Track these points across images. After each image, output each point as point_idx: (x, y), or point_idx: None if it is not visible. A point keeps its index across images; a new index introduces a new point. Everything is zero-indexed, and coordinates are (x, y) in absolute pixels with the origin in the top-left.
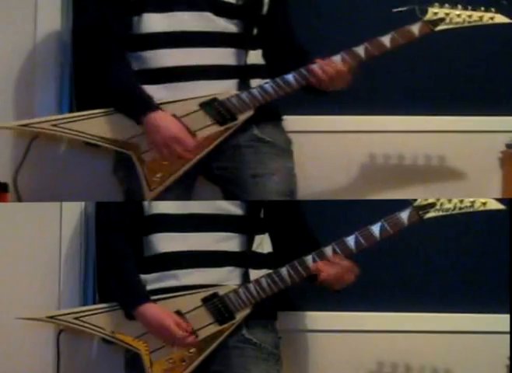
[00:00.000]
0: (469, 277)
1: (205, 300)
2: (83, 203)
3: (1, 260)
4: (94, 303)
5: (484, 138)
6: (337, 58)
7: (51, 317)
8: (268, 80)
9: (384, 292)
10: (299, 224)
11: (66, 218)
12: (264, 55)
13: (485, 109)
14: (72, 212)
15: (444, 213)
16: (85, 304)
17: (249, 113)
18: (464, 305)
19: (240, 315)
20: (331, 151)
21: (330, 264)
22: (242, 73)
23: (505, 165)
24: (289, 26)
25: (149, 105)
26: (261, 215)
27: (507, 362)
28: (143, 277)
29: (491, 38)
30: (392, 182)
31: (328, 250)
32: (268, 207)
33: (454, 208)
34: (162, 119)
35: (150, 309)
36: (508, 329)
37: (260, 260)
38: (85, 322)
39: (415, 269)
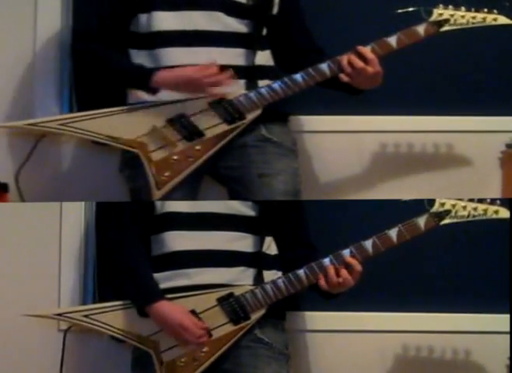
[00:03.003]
0: (469, 277)
1: (220, 300)
2: (83, 203)
3: (2, 260)
4: (94, 303)
5: (484, 138)
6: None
7: (60, 314)
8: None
9: (383, 292)
10: (300, 228)
11: (66, 218)
12: (275, 55)
13: (486, 109)
14: (72, 212)
15: (459, 220)
16: (84, 304)
17: (257, 112)
18: (464, 305)
19: (255, 316)
20: (339, 150)
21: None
22: (250, 74)
23: (505, 165)
24: (302, 26)
25: None
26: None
27: (507, 362)
28: (154, 275)
29: (492, 39)
30: (393, 182)
31: (346, 253)
32: (272, 209)
33: (468, 216)
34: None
35: (165, 307)
36: (508, 329)
37: (269, 261)
38: (94, 319)
39: (415, 269)
